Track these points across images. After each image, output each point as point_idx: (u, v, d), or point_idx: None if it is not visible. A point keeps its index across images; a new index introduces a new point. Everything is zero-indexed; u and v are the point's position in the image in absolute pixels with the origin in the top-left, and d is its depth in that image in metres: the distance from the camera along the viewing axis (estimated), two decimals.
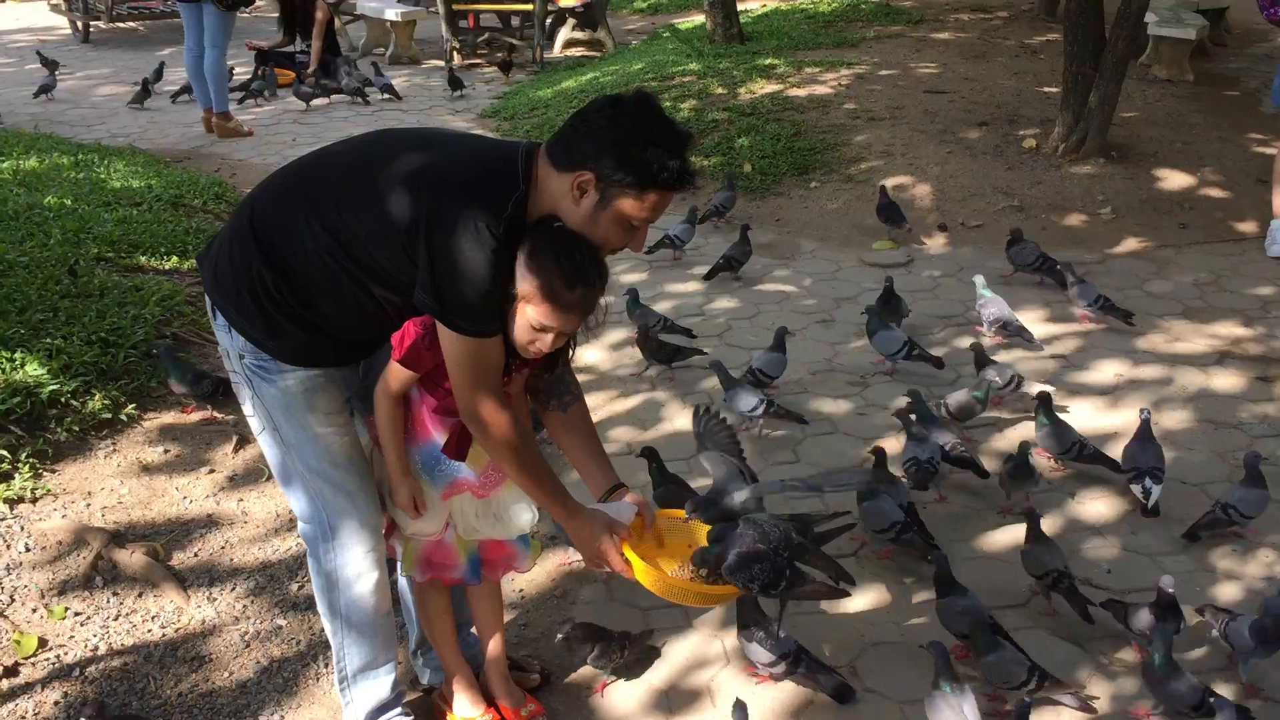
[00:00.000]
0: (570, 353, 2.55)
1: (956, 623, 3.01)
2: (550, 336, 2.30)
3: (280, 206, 2.40)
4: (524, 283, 2.24)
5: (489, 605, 2.83)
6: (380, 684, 2.75)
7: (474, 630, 2.93)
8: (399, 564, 2.75)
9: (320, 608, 2.70)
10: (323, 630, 2.82)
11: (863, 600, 3.29)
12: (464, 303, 2.21)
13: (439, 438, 2.49)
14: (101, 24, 13.76)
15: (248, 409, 2.55)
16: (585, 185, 2.22)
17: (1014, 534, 3.51)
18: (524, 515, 2.66)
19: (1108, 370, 4.72)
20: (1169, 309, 5.33)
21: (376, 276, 2.31)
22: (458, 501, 2.58)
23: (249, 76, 10.54)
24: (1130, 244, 6.15)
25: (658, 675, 3.05)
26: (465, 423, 2.39)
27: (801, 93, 8.39)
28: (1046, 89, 8.36)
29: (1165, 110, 7.95)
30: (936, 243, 6.29)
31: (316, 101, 9.98)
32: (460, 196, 2.20)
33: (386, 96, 10.05)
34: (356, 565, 2.59)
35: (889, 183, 6.75)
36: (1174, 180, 6.75)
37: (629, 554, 2.41)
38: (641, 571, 2.39)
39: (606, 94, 2.33)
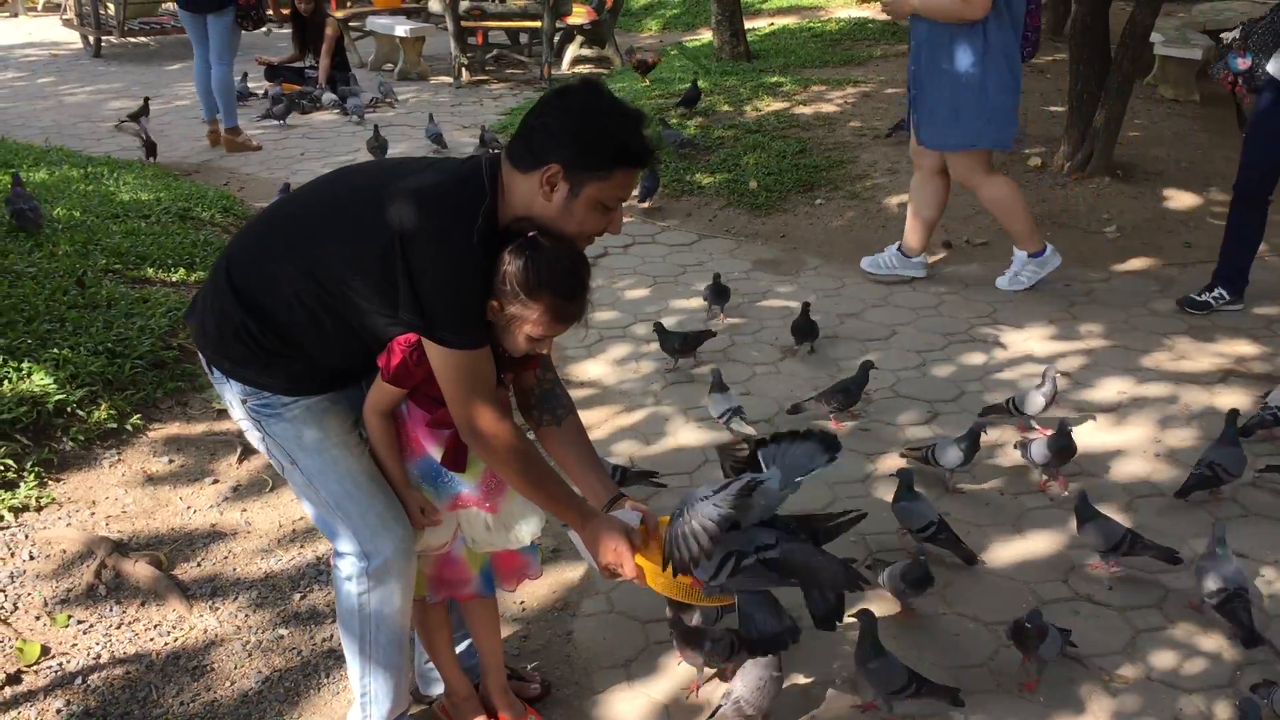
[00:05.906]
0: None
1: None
2: (550, 341, 2.38)
3: (253, 256, 2.43)
4: (522, 308, 2.26)
5: (486, 616, 2.81)
6: None
7: (471, 641, 2.92)
8: None
9: (347, 645, 2.65)
10: (324, 639, 2.83)
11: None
12: (449, 316, 2.23)
13: (434, 452, 2.50)
14: (113, 39, 13.88)
15: (265, 453, 2.55)
16: (554, 179, 2.25)
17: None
18: (531, 525, 2.65)
19: (1111, 388, 4.71)
20: (1173, 327, 5.33)
21: (355, 309, 2.32)
22: (464, 515, 2.58)
23: (268, 98, 10.58)
24: (1135, 263, 6.15)
25: (659, 689, 3.04)
26: (464, 439, 2.40)
27: (808, 110, 8.42)
28: (1052, 108, 8.37)
29: (1171, 129, 7.96)
30: (941, 260, 6.30)
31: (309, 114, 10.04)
32: (431, 212, 2.22)
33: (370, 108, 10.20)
34: (389, 594, 2.54)
35: (893, 200, 6.76)
36: (1179, 199, 6.75)
37: (639, 560, 2.41)
38: (653, 575, 2.40)
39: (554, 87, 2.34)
